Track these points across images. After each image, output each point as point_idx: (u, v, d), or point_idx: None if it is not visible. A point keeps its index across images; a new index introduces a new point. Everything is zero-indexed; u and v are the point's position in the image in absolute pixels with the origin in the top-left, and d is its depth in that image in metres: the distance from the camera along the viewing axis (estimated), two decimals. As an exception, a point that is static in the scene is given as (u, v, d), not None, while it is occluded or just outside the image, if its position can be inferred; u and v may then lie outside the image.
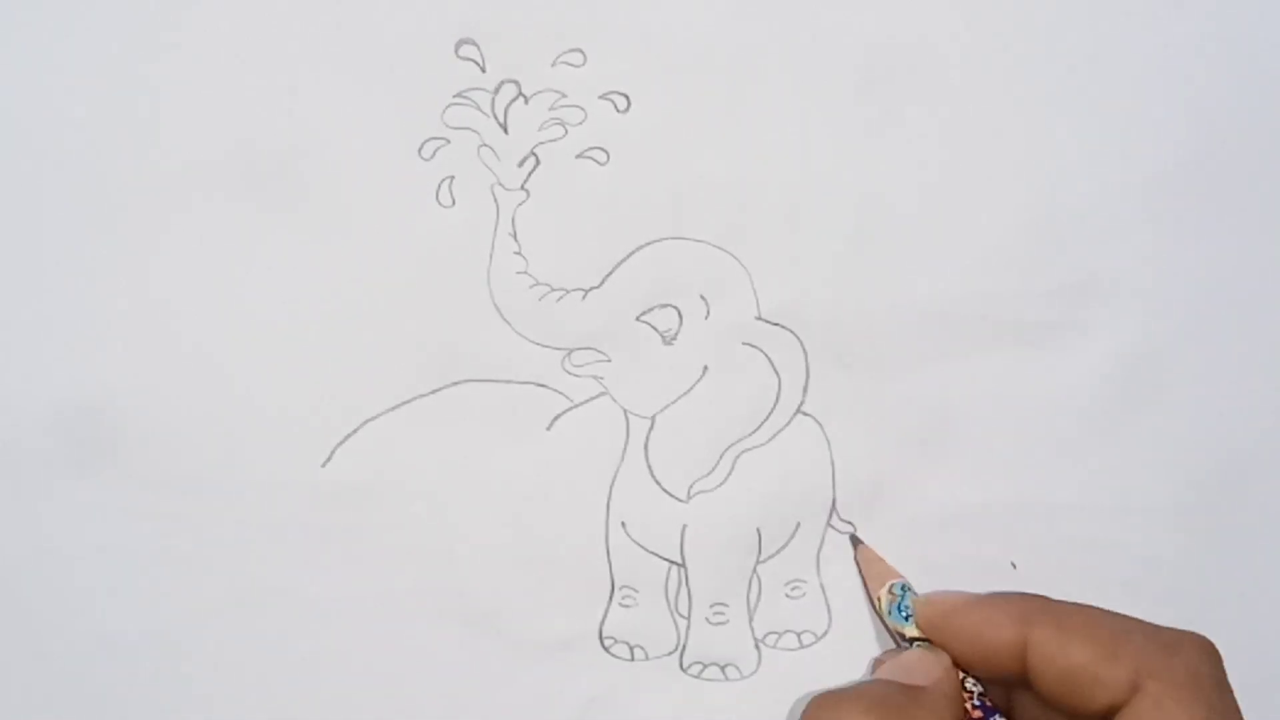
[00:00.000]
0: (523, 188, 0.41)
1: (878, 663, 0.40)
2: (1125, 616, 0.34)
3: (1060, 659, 0.33)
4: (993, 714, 0.35)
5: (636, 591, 0.42)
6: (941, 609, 0.37)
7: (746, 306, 0.41)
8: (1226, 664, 0.33)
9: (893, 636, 0.40)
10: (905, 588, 0.39)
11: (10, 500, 0.41)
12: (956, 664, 0.36)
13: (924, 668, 0.36)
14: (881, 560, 0.41)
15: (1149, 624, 0.34)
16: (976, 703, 0.35)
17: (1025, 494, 0.42)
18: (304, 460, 0.41)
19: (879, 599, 0.40)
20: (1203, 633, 0.33)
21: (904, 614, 0.38)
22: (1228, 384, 0.42)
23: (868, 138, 0.41)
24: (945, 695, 0.35)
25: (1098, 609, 0.34)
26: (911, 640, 0.38)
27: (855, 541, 0.42)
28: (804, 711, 0.33)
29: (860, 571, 0.41)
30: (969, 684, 0.36)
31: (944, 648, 0.37)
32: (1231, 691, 0.33)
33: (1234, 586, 0.42)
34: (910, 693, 0.34)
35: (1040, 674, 0.34)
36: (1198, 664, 0.32)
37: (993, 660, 0.35)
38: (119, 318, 0.40)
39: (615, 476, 0.42)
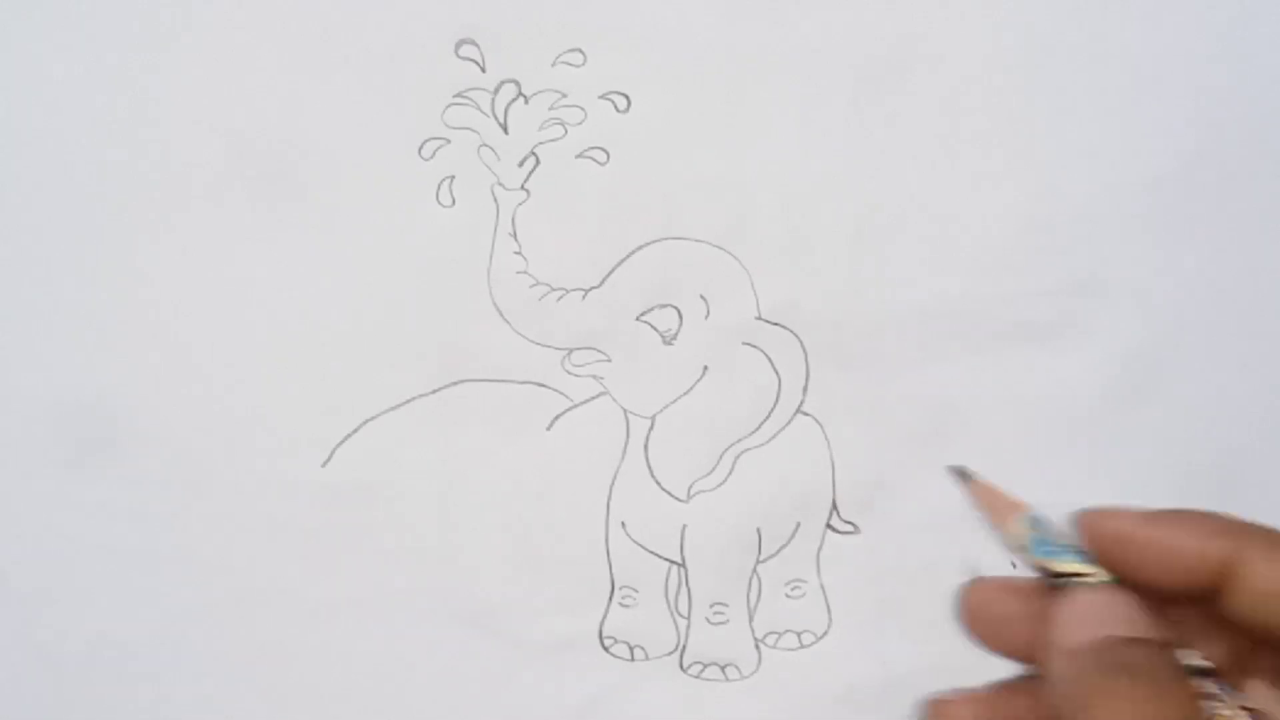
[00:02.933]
0: (523, 187, 0.41)
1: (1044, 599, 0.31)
2: None
3: None
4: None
5: (636, 591, 0.42)
6: (1116, 530, 0.30)
7: (746, 306, 0.41)
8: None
9: (1037, 573, 0.34)
10: (1039, 518, 0.32)
11: (11, 498, 0.41)
12: (1138, 592, 0.30)
13: (1124, 612, 0.29)
14: (998, 491, 0.34)
15: None
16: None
17: (1025, 493, 0.42)
18: (304, 459, 0.41)
19: (1010, 533, 0.33)
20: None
21: (1049, 547, 0.31)
22: (1227, 383, 0.42)
23: (867, 138, 0.41)
24: (1165, 642, 0.28)
25: None
26: (1063, 575, 0.30)
27: (964, 476, 0.34)
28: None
29: (980, 506, 0.35)
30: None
31: (1125, 574, 0.30)
32: None
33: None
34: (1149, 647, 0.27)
35: (1256, 599, 0.28)
36: None
37: (1185, 586, 0.29)
38: (119, 317, 0.40)
39: (615, 476, 0.42)
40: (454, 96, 0.40)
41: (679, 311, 0.41)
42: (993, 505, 0.35)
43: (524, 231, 0.41)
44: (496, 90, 0.40)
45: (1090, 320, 0.42)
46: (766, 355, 0.41)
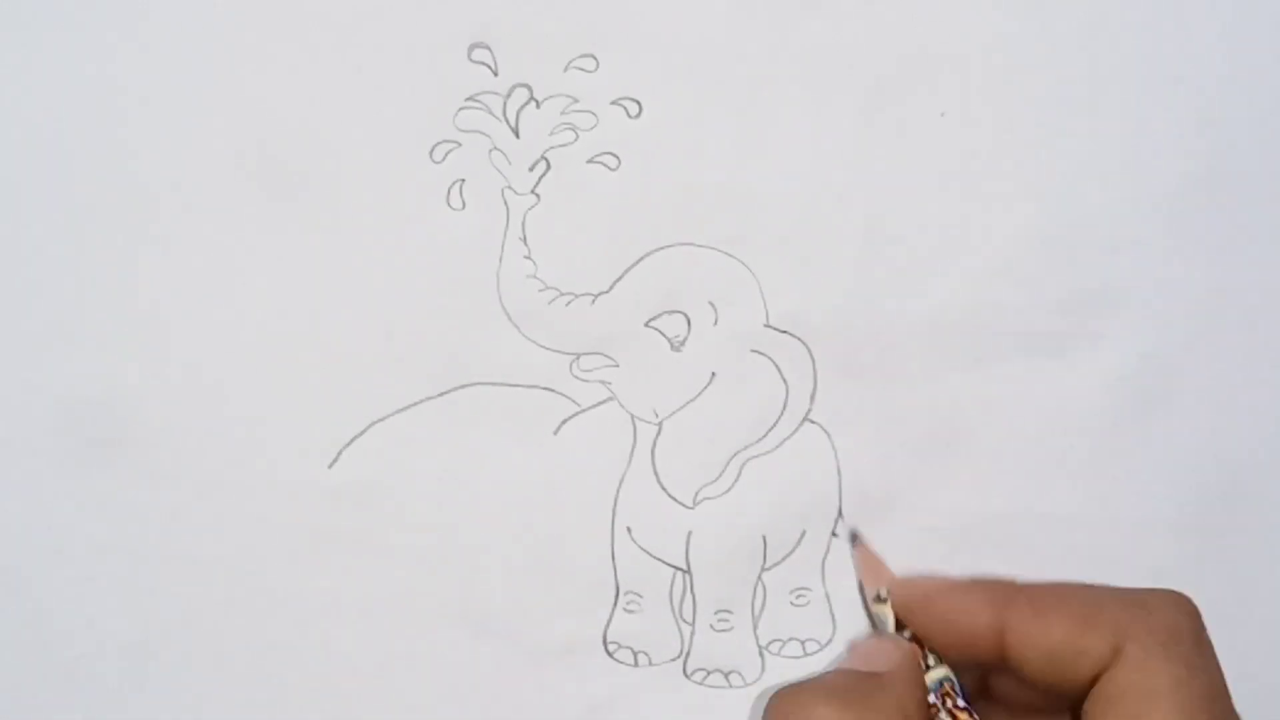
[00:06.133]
0: (533, 192, 0.41)
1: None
2: (1098, 586, 0.35)
3: (1040, 638, 0.34)
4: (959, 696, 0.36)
5: (641, 597, 0.42)
6: (914, 596, 0.37)
7: (755, 314, 0.41)
8: (1233, 675, 0.33)
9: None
10: (889, 591, 0.39)
11: (15, 497, 0.41)
12: (938, 651, 0.36)
13: (883, 654, 0.36)
14: (878, 559, 0.41)
15: (1122, 589, 0.34)
16: (944, 690, 0.36)
17: (1033, 505, 0.42)
18: (311, 460, 0.41)
19: (870, 593, 0.40)
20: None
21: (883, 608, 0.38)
22: (1238, 396, 0.42)
23: (878, 146, 0.41)
24: (904, 680, 0.35)
25: (1070, 584, 0.35)
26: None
27: (854, 539, 0.42)
28: (767, 705, 0.34)
29: (856, 568, 0.41)
30: (935, 669, 0.36)
31: (923, 636, 0.37)
32: (1210, 645, 0.33)
33: (1245, 599, 0.42)
34: (870, 680, 0.34)
35: (1021, 656, 0.34)
36: (1175, 619, 0.33)
37: (971, 646, 0.35)
38: (127, 317, 0.40)
39: (622, 482, 0.42)
40: (466, 100, 0.40)
41: (687, 318, 0.41)
42: (868, 567, 0.41)
43: (534, 236, 0.41)
44: (508, 94, 0.40)
45: (1101, 332, 0.42)
46: (774, 363, 0.41)
